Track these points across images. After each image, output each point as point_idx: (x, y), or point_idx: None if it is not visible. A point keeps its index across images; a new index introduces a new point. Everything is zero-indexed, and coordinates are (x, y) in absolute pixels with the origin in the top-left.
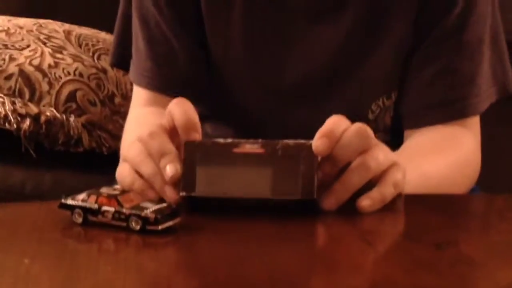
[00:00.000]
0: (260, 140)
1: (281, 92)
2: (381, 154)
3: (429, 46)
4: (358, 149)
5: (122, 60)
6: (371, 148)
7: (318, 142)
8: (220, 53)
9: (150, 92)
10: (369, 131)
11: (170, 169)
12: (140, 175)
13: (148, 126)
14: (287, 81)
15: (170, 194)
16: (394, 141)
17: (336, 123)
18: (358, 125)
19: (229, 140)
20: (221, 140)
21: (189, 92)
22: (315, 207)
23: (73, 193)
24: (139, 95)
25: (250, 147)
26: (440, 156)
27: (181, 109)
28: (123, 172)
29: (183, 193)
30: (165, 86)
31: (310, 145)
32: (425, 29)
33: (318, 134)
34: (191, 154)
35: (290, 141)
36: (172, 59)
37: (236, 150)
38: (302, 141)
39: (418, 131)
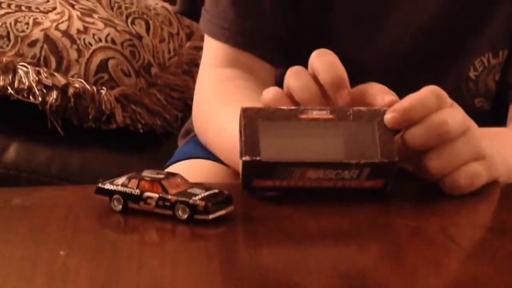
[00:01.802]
0: (328, 107)
1: (379, 53)
2: (466, 146)
3: None
4: (432, 110)
5: (191, 6)
6: (456, 138)
7: (389, 116)
8: (315, 18)
9: (229, 48)
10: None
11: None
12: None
13: (239, 102)
14: (384, 42)
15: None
16: (496, 114)
17: (419, 101)
18: (434, 87)
19: (293, 107)
20: (284, 107)
21: (275, 49)
22: (389, 186)
23: (104, 175)
24: (214, 51)
25: (318, 113)
26: None
27: (325, 62)
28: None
29: (246, 158)
30: (250, 42)
31: (385, 111)
32: None
33: (394, 107)
34: (252, 121)
35: (362, 108)
36: (260, 8)
37: (302, 116)
38: (375, 107)
39: None
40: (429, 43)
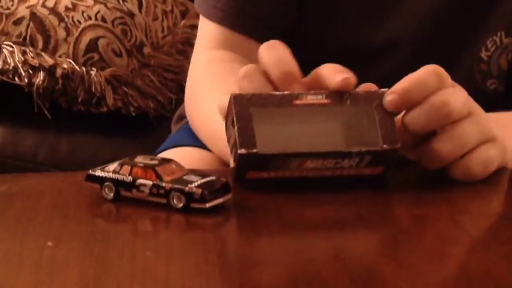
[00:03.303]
0: (323, 91)
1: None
2: (474, 127)
3: None
4: (433, 90)
5: None
6: (463, 118)
7: (388, 98)
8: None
9: (224, 29)
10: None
11: None
12: None
13: (227, 87)
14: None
15: None
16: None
17: (419, 80)
18: (434, 66)
19: (287, 92)
20: (277, 92)
21: (273, 34)
22: (389, 172)
23: (94, 161)
24: (208, 32)
25: (314, 98)
26: None
27: (275, 57)
28: None
29: (242, 151)
30: (244, 23)
31: (383, 93)
32: None
33: (393, 88)
34: (243, 109)
35: (359, 90)
36: None
37: (297, 101)
38: (372, 90)
39: None
40: (439, 26)
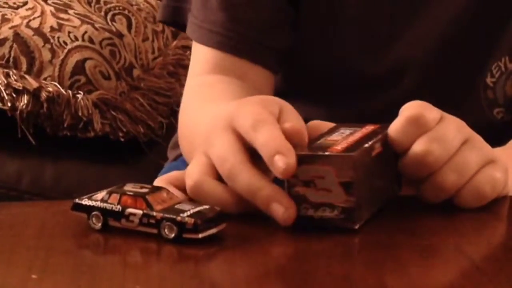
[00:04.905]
0: (380, 136)
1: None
2: (472, 152)
3: None
4: (415, 138)
5: (175, 14)
6: (460, 146)
7: None
8: (321, 22)
9: (220, 53)
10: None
11: (282, 160)
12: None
13: (227, 102)
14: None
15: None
16: None
17: (397, 134)
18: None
19: (367, 145)
20: (364, 146)
21: (270, 58)
22: None
23: (81, 190)
24: (203, 58)
25: (378, 146)
26: None
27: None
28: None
29: (356, 226)
30: (241, 46)
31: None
32: None
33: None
34: (360, 176)
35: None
36: (253, 11)
37: (373, 153)
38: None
39: None
40: (446, 52)
